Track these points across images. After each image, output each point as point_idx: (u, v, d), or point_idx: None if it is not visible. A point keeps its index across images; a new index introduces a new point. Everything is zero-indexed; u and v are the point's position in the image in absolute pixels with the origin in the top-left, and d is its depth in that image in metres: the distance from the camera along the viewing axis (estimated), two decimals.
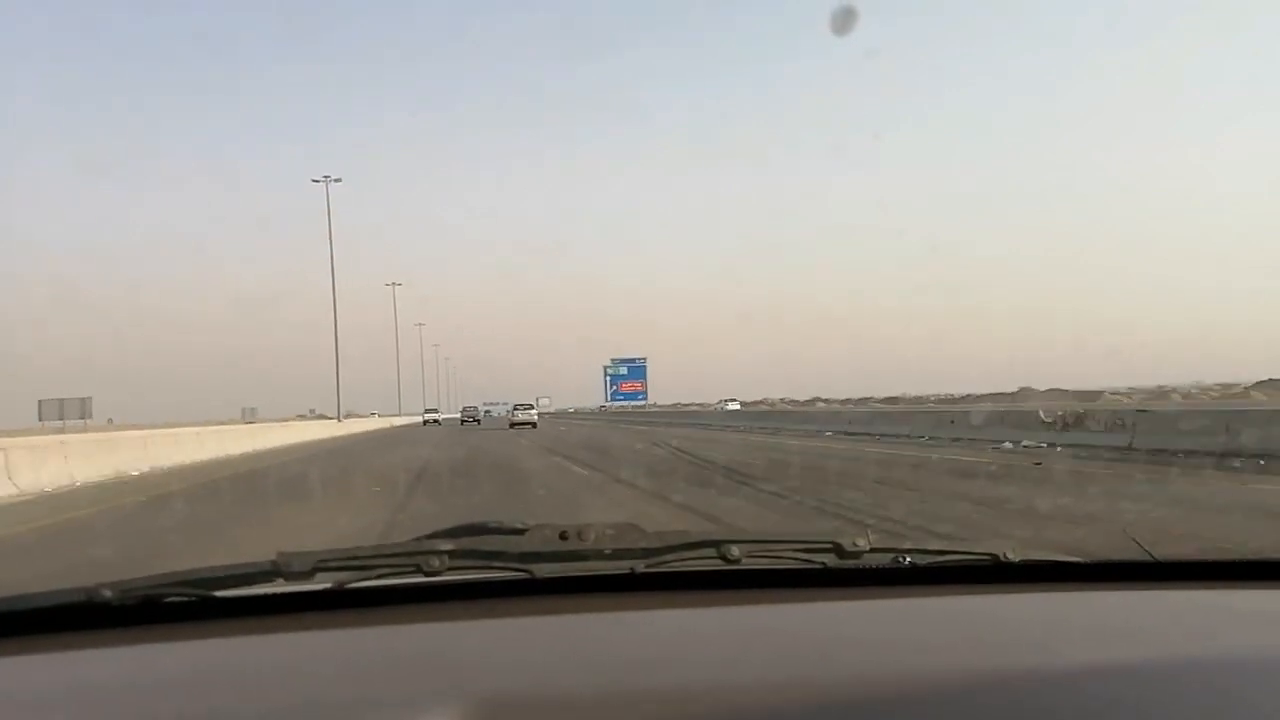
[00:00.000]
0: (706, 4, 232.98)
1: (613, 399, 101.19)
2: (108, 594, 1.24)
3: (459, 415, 79.46)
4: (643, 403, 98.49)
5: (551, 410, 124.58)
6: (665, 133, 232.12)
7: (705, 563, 1.43)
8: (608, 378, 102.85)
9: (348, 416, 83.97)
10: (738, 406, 75.94)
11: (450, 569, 1.35)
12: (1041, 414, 19.83)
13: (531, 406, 51.85)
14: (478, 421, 68.37)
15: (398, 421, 79.02)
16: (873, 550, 1.46)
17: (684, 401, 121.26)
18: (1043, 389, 59.45)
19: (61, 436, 19.95)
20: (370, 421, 70.08)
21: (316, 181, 56.46)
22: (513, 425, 46.81)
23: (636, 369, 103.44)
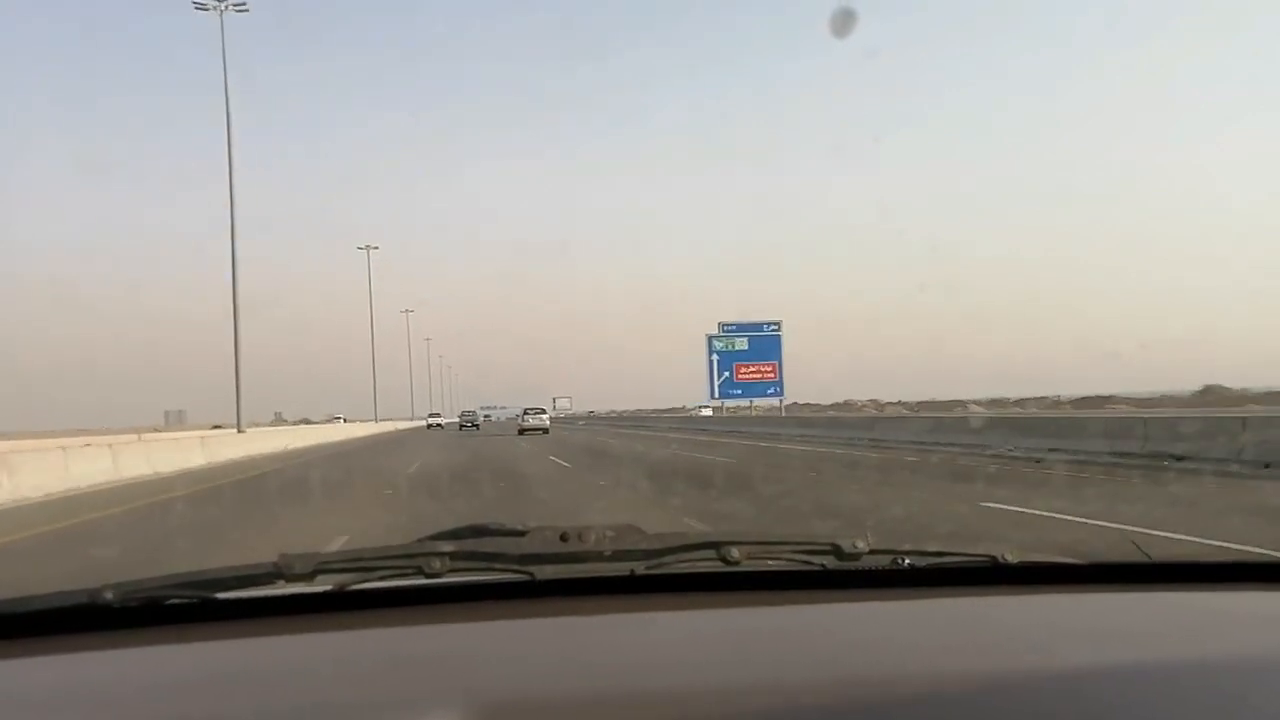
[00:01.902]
0: (708, 7, 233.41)
1: (723, 393, 55.32)
2: (109, 596, 1.25)
3: (457, 420, 77.88)
4: (775, 398, 55.80)
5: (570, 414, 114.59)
6: (665, 133, 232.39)
7: (705, 564, 1.44)
8: (714, 359, 54.86)
9: (329, 420, 78.25)
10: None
11: (451, 571, 1.35)
12: None
13: (544, 410, 47.08)
14: (476, 426, 66.25)
15: (365, 430, 60.30)
16: (872, 552, 1.47)
17: (660, 406, 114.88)
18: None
19: None
20: (320, 432, 47.74)
21: (201, 7, 34.87)
22: (522, 431, 43.12)
23: (765, 342, 55.04)
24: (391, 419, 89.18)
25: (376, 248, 68.58)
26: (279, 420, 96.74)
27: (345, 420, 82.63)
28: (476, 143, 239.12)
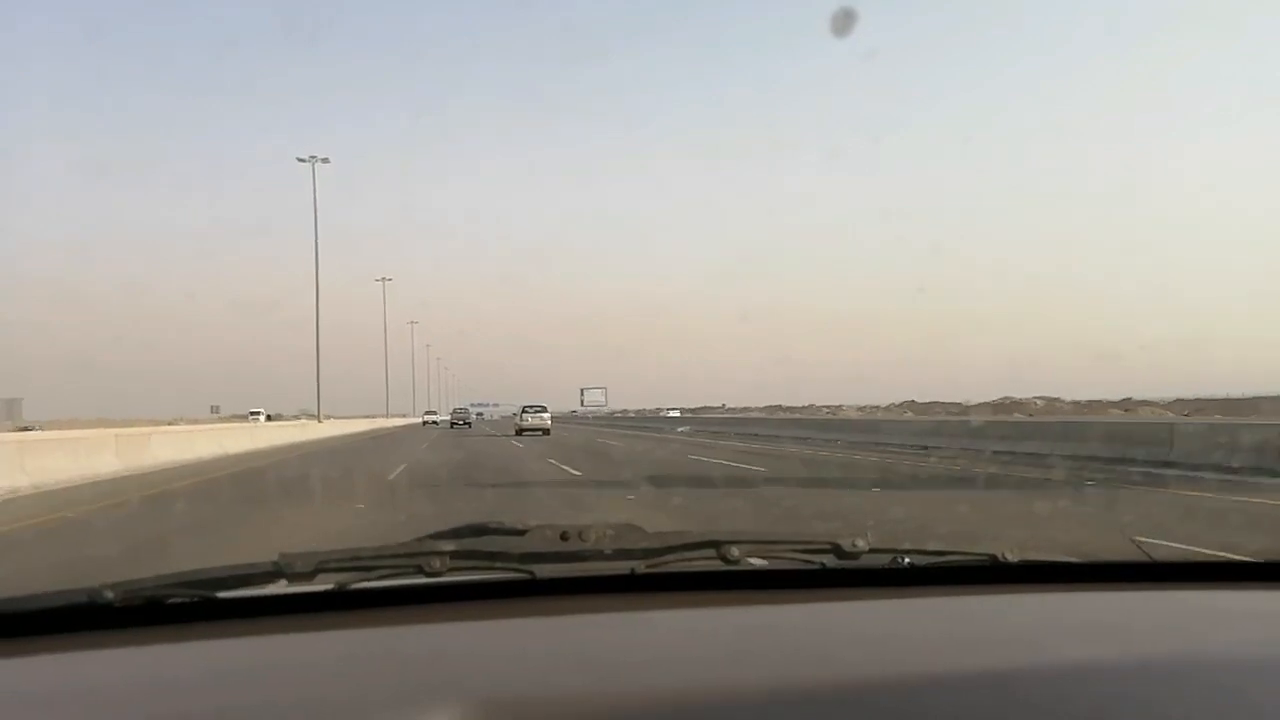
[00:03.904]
0: (708, 9, 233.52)
1: None
2: (110, 595, 1.25)
3: (448, 418, 75.04)
4: None
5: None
6: (662, 137, 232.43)
7: (705, 563, 1.44)
8: None
9: (264, 415, 61.02)
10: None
11: (451, 570, 1.36)
12: None
13: (544, 409, 42.00)
14: (468, 424, 65.43)
15: (284, 436, 33.79)
16: (872, 551, 1.47)
17: (647, 408, 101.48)
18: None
19: None
20: (137, 447, 19.10)
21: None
22: (519, 431, 39.43)
23: None
24: (374, 416, 75.98)
25: (326, 160, 47.24)
26: (217, 415, 75.16)
27: (268, 417, 64.84)
28: (475, 142, 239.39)
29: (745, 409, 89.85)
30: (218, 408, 76.78)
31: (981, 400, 61.83)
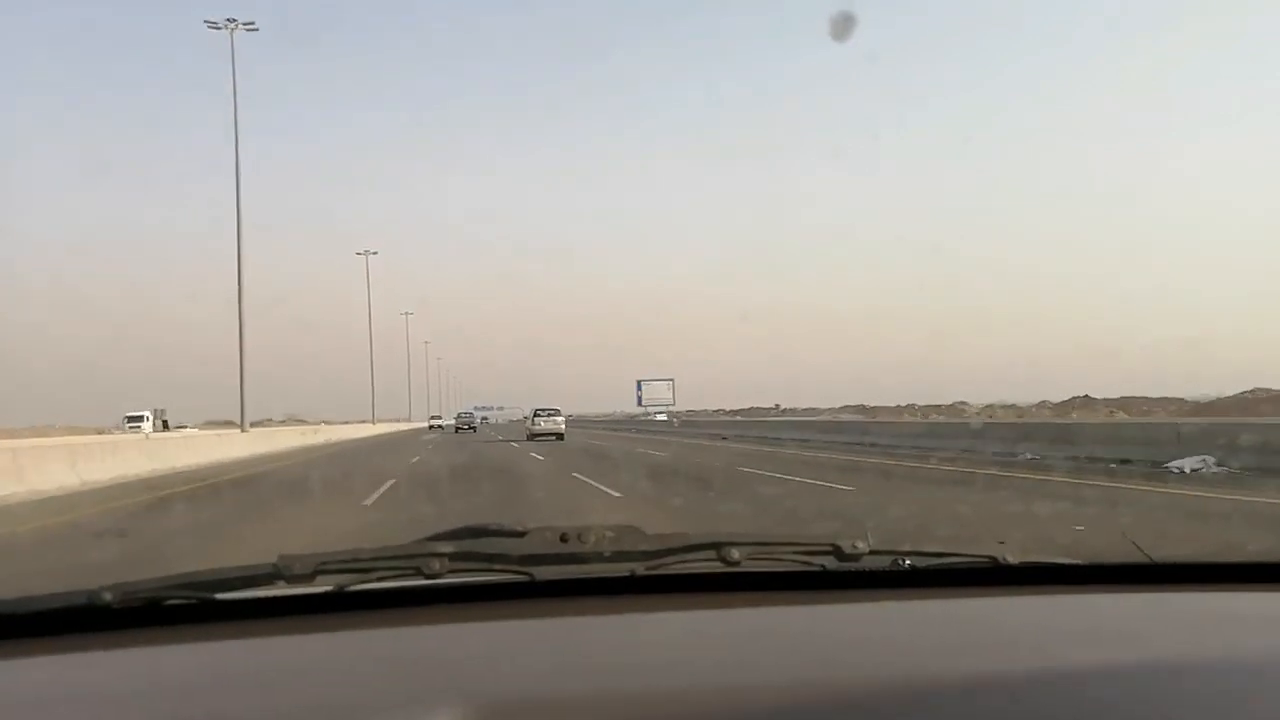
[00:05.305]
0: (709, 8, 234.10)
1: None
2: (109, 597, 1.25)
3: (453, 422, 71.82)
4: None
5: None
6: (666, 135, 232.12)
7: (705, 565, 1.44)
8: None
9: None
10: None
11: (451, 571, 1.35)
12: None
13: (557, 412, 39.64)
14: (473, 429, 63.96)
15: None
16: (872, 553, 1.47)
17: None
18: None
19: None
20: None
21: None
22: (531, 436, 37.57)
23: None
24: (363, 421, 69.22)
25: (253, 25, 37.52)
26: (160, 418, 60.99)
27: (164, 425, 55.76)
28: (477, 142, 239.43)
29: (810, 409, 70.98)
30: (162, 411, 63.46)
31: (1186, 395, 45.72)
